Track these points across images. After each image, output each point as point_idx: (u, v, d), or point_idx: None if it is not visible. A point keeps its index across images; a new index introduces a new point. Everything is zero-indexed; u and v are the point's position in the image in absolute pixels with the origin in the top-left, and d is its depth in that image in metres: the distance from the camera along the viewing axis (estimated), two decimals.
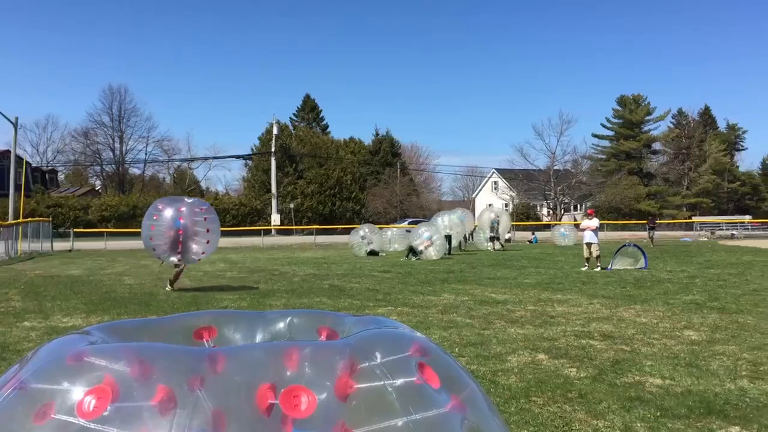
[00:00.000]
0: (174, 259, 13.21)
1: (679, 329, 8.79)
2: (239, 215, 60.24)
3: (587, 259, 18.89)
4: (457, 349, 7.55)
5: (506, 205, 72.52)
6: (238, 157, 73.59)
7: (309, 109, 77.45)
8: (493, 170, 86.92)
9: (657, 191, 76.66)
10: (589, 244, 18.83)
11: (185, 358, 1.74)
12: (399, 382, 1.73)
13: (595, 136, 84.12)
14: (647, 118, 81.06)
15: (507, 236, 34.97)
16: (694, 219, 62.88)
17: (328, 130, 77.74)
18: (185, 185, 75.80)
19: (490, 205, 63.38)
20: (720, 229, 52.78)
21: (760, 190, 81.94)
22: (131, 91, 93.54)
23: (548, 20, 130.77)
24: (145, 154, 76.88)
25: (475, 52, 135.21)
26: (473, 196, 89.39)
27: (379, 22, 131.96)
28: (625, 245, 20.33)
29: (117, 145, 74.87)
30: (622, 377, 6.18)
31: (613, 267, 18.67)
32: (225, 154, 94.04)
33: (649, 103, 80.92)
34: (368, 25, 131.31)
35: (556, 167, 71.07)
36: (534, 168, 72.88)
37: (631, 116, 79.98)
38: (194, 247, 13.09)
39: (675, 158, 79.47)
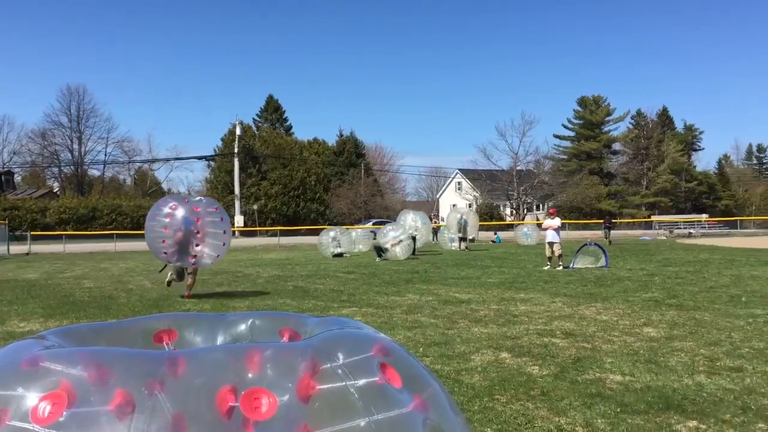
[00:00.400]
0: (190, 262, 12.22)
1: (638, 326, 8.95)
2: None
3: (549, 258, 19.13)
4: (421, 349, 7.57)
5: (470, 205, 72.99)
6: (200, 158, 72.85)
7: (272, 110, 77.04)
8: (457, 171, 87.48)
9: (617, 191, 77.96)
10: (551, 244, 19.06)
11: (144, 362, 1.71)
12: (361, 382, 1.73)
13: (556, 136, 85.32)
14: (607, 118, 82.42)
15: (471, 236, 35.23)
16: (653, 218, 64.16)
17: (291, 131, 77.45)
18: (146, 187, 74.77)
19: (454, 205, 63.76)
20: (678, 228, 53.90)
21: (716, 190, 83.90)
22: (90, 91, 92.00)
23: (510, 22, 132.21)
24: (105, 155, 75.70)
25: (438, 53, 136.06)
26: (437, 196, 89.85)
27: (343, 23, 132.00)
28: (586, 244, 20.63)
29: (75, 146, 73.60)
30: (584, 374, 6.27)
31: (575, 266, 18.93)
32: (187, 155, 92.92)
33: (609, 104, 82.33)
34: (331, 26, 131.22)
35: (518, 167, 71.87)
36: (497, 168, 73.59)
37: (591, 117, 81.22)
38: (210, 249, 12.13)
39: (634, 158, 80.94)
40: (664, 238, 45.39)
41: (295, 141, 72.01)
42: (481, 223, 47.30)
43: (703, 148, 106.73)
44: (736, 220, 60.48)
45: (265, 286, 14.93)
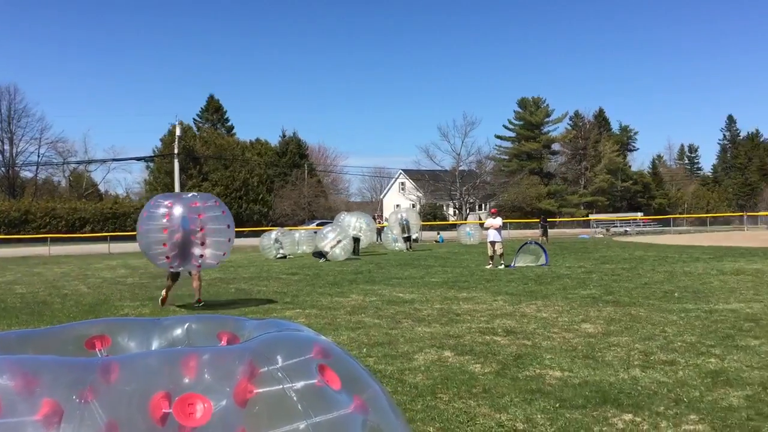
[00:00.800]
0: (194, 266, 11.09)
1: (577, 323, 9.15)
2: None
3: (491, 258, 19.39)
4: (365, 350, 7.58)
5: (413, 206, 73.41)
6: (139, 159, 71.23)
7: (213, 110, 75.92)
8: (400, 171, 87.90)
9: (556, 190, 79.66)
10: (493, 243, 19.32)
11: (74, 370, 1.66)
12: (299, 385, 1.72)
13: (497, 137, 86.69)
14: (546, 120, 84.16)
15: (414, 236, 35.47)
16: (591, 217, 65.74)
17: (233, 131, 76.48)
18: (82, 189, 72.64)
19: (397, 206, 64.07)
20: (614, 226, 55.40)
21: (651, 189, 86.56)
22: (22, 91, 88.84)
23: (452, 23, 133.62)
24: (38, 156, 73.06)
25: (380, 54, 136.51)
26: (381, 197, 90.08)
27: (284, 23, 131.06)
28: (526, 243, 21.00)
29: (6, 147, 70.80)
30: (524, 371, 6.37)
31: (516, 264, 19.24)
32: (125, 156, 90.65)
33: (548, 105, 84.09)
34: (273, 25, 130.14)
35: (461, 168, 72.68)
36: (440, 169, 74.26)
37: (531, 118, 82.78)
38: (214, 247, 10.96)
39: (573, 158, 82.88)
40: (602, 236, 46.60)
41: (237, 142, 71.14)
42: (424, 223, 47.66)
43: (638, 149, 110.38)
44: (669, 218, 62.51)
45: (207, 290, 14.66)
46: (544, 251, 19.87)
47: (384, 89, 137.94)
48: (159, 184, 64.00)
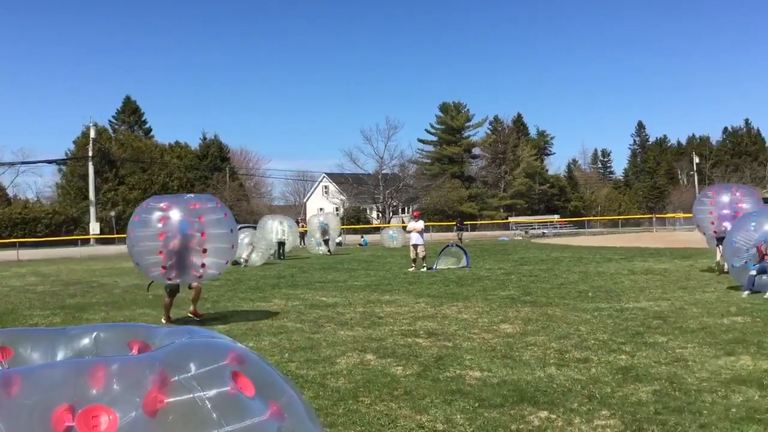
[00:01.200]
0: (194, 277, 9.83)
1: (496, 323, 9.35)
2: (53, 224, 55.83)
3: (414, 260, 19.57)
4: (287, 355, 7.52)
5: (337, 209, 73.35)
6: (50, 161, 68.24)
7: (130, 112, 73.60)
8: (324, 174, 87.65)
9: (477, 193, 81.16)
10: (415, 246, 19.51)
11: None
12: (212, 393, 1.69)
13: (420, 141, 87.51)
14: (467, 124, 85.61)
15: (338, 240, 35.39)
16: (510, 219, 67.40)
17: (151, 133, 74.38)
18: None
19: (321, 209, 63.93)
20: (533, 229, 56.91)
21: (567, 192, 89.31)
22: None
23: (374, 27, 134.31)
24: None
25: (304, 56, 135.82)
26: (304, 200, 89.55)
27: (202, 23, 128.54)
28: (448, 245, 21.30)
29: None
30: (445, 372, 6.46)
31: (438, 267, 19.49)
32: (35, 158, 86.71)
33: (468, 110, 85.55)
34: (190, 25, 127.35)
35: (384, 171, 73.08)
36: (363, 172, 74.47)
37: (452, 123, 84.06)
38: (216, 255, 9.68)
39: (492, 162, 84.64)
40: (521, 238, 47.76)
41: (156, 144, 69.26)
42: (348, 226, 47.69)
43: (555, 153, 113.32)
44: (584, 220, 64.77)
45: (123, 296, 14.22)
46: (465, 254, 20.21)
47: (307, 92, 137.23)
48: (72, 189, 61.67)
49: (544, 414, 5.03)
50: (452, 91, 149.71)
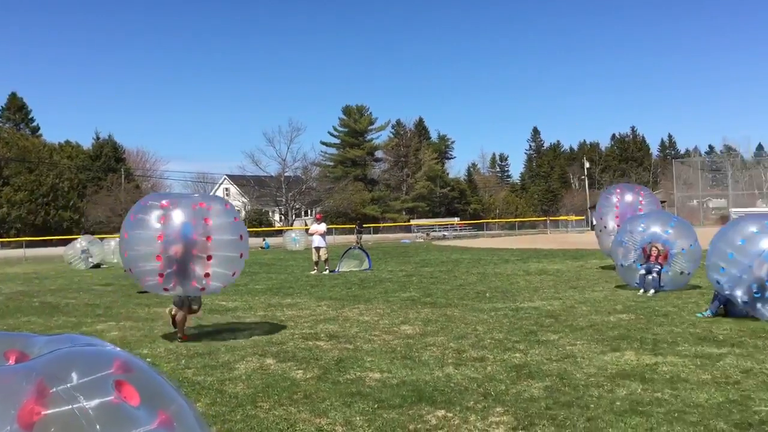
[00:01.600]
0: (196, 289, 8.37)
1: (396, 325, 9.46)
2: None
3: (316, 263, 19.50)
4: (183, 361, 7.33)
5: (238, 212, 72.02)
6: None
7: (16, 109, 69.56)
8: (225, 176, 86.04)
9: (380, 196, 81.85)
10: (317, 248, 19.44)
11: None
12: (94, 403, 1.62)
13: (323, 144, 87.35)
14: (370, 127, 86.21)
15: None
16: (412, 222, 68.29)
17: (39, 132, 70.59)
18: None
19: None
20: (434, 231, 57.88)
21: (466, 195, 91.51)
22: None
23: (277, 27, 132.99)
24: None
25: (203, 56, 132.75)
26: None
27: (94, 15, 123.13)
28: (350, 248, 21.36)
29: None
30: (345, 374, 6.48)
31: (340, 269, 19.50)
32: None
33: (371, 113, 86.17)
34: (82, 18, 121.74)
35: (287, 174, 72.50)
36: (266, 174, 73.59)
37: (355, 126, 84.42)
38: (222, 265, 8.31)
39: (395, 165, 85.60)
40: (422, 240, 48.52)
41: (44, 143, 65.78)
42: (249, 229, 46.88)
43: (455, 157, 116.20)
44: (483, 222, 66.53)
45: (6, 304, 13.42)
46: (368, 256, 20.33)
47: (208, 92, 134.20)
48: None
49: (441, 413, 5.14)
50: (355, 94, 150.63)
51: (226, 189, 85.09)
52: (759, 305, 8.77)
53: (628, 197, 16.09)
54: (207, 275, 8.16)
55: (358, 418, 5.04)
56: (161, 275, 8.02)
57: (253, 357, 7.44)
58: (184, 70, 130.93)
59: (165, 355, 7.74)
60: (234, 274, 8.60)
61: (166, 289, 8.25)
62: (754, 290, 8.75)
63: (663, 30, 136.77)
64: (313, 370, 6.71)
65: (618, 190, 16.70)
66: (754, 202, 64.96)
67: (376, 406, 5.35)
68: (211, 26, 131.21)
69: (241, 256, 8.66)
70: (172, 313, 8.93)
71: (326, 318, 10.29)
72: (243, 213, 68.65)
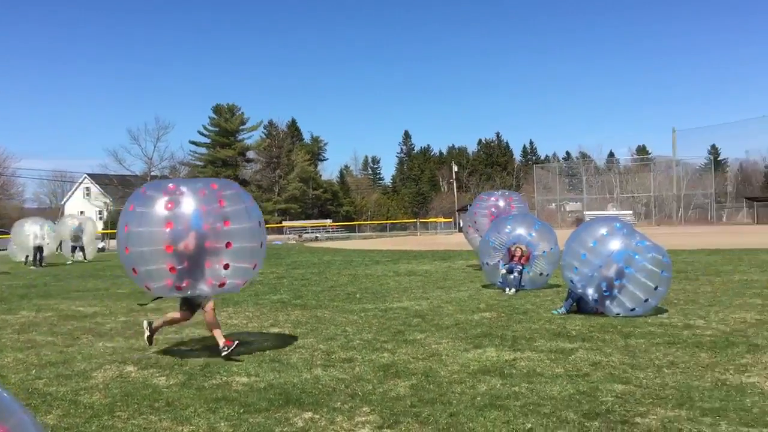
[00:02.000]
0: (214, 288, 7.01)
1: (266, 327, 9.35)
2: None
3: None
4: (34, 371, 6.86)
5: (100, 212, 68.79)
6: None
7: None
8: (85, 175, 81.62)
9: (252, 197, 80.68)
10: None
11: None
12: None
13: (192, 143, 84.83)
14: (242, 127, 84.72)
15: (100, 245, 33.05)
16: (285, 223, 67.82)
17: None
18: None
19: (82, 212, 59.36)
20: (306, 233, 57.84)
21: (339, 197, 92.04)
22: None
23: (142, 20, 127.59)
24: None
25: (60, 45, 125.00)
26: (62, 202, 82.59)
27: None
28: None
29: None
30: (211, 380, 6.32)
31: None
32: None
33: (243, 113, 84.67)
34: None
35: (153, 173, 69.82)
36: (130, 173, 70.59)
37: (226, 125, 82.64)
38: (240, 257, 7.03)
39: (267, 166, 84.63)
40: (294, 242, 48.27)
41: None
42: (113, 231, 44.69)
43: (328, 159, 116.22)
44: (355, 224, 67.19)
45: None
46: None
47: (65, 86, 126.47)
48: None
49: (308, 415, 5.13)
50: (226, 93, 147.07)
51: (87, 188, 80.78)
52: (608, 302, 9.41)
53: (501, 202, 16.99)
54: (226, 266, 6.89)
55: (222, 424, 4.93)
56: (172, 269, 6.78)
57: (112, 365, 7.09)
58: (38, 60, 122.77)
59: (14, 365, 7.23)
60: (255, 266, 7.36)
61: (179, 288, 6.90)
62: (604, 289, 9.39)
63: (520, 41, 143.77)
64: (177, 376, 6.50)
65: (493, 198, 17.54)
66: (605, 205, 69.86)
67: (242, 410, 5.25)
68: (69, 13, 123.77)
69: (261, 245, 7.49)
70: (165, 319, 7.75)
71: (193, 322, 9.96)
72: (105, 214, 65.48)
